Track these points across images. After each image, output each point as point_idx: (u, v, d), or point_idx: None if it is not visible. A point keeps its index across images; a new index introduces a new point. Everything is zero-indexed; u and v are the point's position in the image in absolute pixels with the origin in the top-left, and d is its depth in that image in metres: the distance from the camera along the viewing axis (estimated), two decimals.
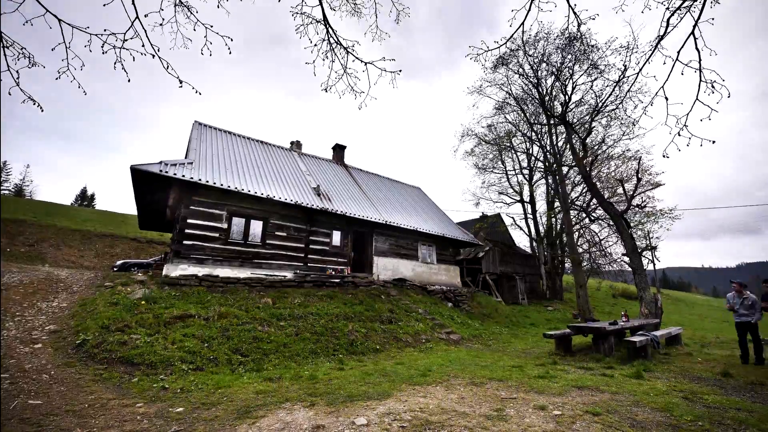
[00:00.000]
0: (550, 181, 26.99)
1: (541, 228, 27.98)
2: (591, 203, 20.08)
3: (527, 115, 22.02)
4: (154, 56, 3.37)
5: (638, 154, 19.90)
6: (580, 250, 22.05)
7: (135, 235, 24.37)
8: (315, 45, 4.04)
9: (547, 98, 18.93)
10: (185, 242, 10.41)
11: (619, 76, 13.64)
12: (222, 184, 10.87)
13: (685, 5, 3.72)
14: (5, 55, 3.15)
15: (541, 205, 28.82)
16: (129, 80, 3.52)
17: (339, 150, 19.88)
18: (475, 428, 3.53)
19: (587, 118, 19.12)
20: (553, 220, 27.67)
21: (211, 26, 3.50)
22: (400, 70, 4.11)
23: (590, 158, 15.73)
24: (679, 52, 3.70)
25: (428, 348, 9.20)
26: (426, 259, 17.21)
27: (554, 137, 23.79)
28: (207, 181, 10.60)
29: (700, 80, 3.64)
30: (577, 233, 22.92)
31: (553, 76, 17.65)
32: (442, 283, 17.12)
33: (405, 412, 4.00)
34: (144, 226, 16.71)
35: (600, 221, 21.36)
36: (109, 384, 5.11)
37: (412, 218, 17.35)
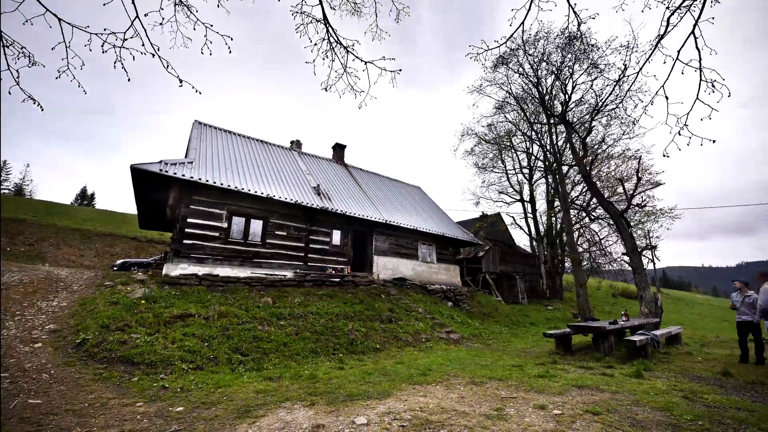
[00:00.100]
0: (550, 180, 26.99)
1: (541, 227, 27.99)
2: (591, 202, 20.05)
3: (527, 114, 22.01)
4: (154, 55, 3.37)
5: (638, 154, 19.89)
6: (580, 249, 22.05)
7: (135, 235, 24.38)
8: (315, 44, 4.04)
9: (547, 97, 18.91)
10: (185, 241, 10.41)
11: (619, 76, 13.61)
12: (222, 184, 10.87)
13: (685, 4, 3.71)
14: (5, 54, 3.15)
15: (541, 205, 28.85)
16: (129, 79, 3.51)
17: (339, 149, 19.87)
18: (475, 427, 3.53)
19: (587, 117, 19.10)
20: (553, 219, 27.67)
21: (211, 25, 3.50)
22: (400, 70, 4.10)
23: (590, 157, 15.72)
24: (679, 52, 3.70)
25: (428, 347, 9.21)
26: (426, 259, 17.22)
27: (554, 136, 23.78)
28: (207, 181, 10.60)
29: (701, 79, 3.63)
30: (577, 232, 22.92)
31: (553, 76, 17.62)
32: (442, 282, 17.13)
33: (405, 411, 4.00)
34: (144, 225, 16.71)
35: (600, 220, 21.35)
36: (109, 383, 5.11)
37: (412, 217, 17.35)
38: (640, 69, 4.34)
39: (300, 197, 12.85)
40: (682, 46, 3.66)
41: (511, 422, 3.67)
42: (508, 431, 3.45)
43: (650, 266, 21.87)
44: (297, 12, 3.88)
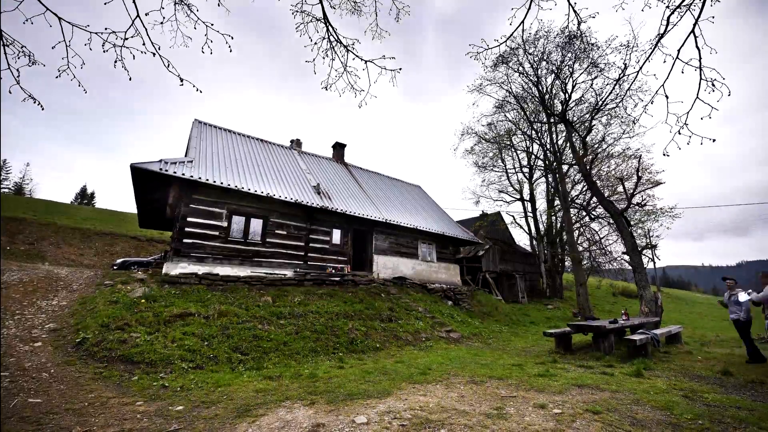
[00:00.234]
0: (550, 179, 26.97)
1: (541, 226, 27.98)
2: (591, 201, 20.05)
3: (527, 113, 21.98)
4: (154, 54, 3.36)
5: (638, 153, 19.89)
6: (580, 248, 22.04)
7: (135, 234, 24.37)
8: (315, 43, 4.03)
9: (547, 96, 18.88)
10: (185, 240, 10.42)
11: (620, 75, 13.59)
12: (222, 183, 10.86)
13: (685, 3, 3.71)
14: (5, 53, 3.14)
15: (541, 204, 28.84)
16: (130, 78, 3.51)
17: (339, 148, 19.86)
18: (475, 427, 3.54)
19: (587, 116, 19.09)
20: (553, 218, 27.66)
21: (212, 24, 3.49)
22: (400, 69, 4.10)
23: (590, 156, 15.72)
24: (679, 51, 3.70)
25: (428, 346, 9.22)
26: (426, 258, 17.22)
27: (554, 135, 23.76)
28: (207, 180, 10.59)
29: (701, 78, 3.63)
30: (577, 231, 22.91)
31: (553, 75, 17.60)
32: (442, 281, 17.13)
33: (405, 410, 4.00)
34: (144, 224, 16.70)
35: (600, 219, 21.35)
36: (109, 382, 5.12)
37: (412, 216, 17.35)
38: (641, 68, 4.34)
39: (300, 196, 12.85)
40: (682, 45, 3.66)
41: (511, 421, 3.67)
42: (508, 430, 3.46)
43: (650, 265, 21.91)
44: (297, 11, 3.87)
